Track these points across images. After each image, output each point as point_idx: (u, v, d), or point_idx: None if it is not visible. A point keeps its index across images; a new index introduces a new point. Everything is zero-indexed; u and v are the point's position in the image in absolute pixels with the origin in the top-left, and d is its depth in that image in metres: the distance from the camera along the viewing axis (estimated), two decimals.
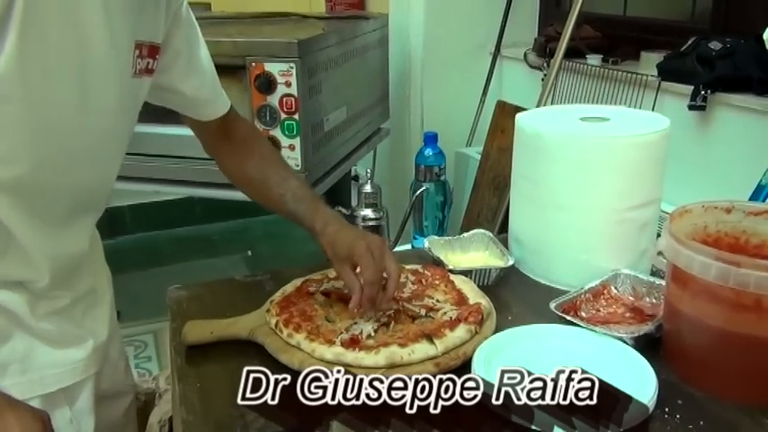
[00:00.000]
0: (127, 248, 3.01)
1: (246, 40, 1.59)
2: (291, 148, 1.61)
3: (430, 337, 0.83)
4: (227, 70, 1.60)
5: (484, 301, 0.91)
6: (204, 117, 1.00)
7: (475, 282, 1.00)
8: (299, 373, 0.80)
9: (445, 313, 0.89)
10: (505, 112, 2.01)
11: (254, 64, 1.56)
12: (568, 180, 0.99)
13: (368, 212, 1.35)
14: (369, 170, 1.37)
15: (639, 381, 0.74)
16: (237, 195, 1.73)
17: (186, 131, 1.70)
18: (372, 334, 0.85)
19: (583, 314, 0.91)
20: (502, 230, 1.78)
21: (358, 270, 0.88)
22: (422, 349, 0.82)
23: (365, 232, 0.95)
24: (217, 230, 3.24)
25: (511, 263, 1.03)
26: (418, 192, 1.42)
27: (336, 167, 1.88)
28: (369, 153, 2.23)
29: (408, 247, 1.50)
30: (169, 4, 0.88)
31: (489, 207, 1.98)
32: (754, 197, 1.17)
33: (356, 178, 2.64)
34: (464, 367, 0.82)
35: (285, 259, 2.98)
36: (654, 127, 0.99)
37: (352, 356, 0.81)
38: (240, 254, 3.05)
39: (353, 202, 2.34)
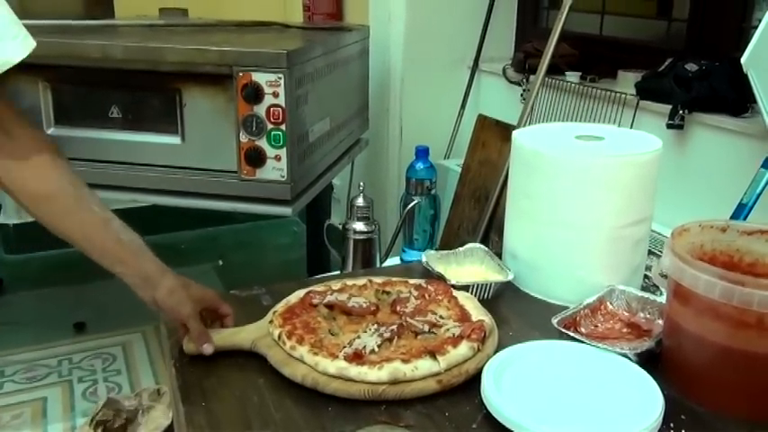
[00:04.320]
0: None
1: (234, 50, 1.58)
2: (277, 158, 1.60)
3: (433, 354, 0.84)
4: (214, 79, 1.60)
5: (487, 319, 0.92)
6: None
7: (474, 296, 1.01)
8: (303, 386, 0.81)
9: (448, 329, 0.90)
10: (486, 126, 2.03)
11: (241, 73, 1.55)
12: (566, 197, 1.01)
13: (359, 225, 1.35)
14: (361, 183, 1.37)
15: (645, 397, 0.75)
16: (206, 204, 1.73)
17: (156, 138, 1.69)
18: (376, 349, 0.85)
19: (582, 329, 0.93)
20: (483, 243, 1.80)
21: None
22: (425, 366, 0.82)
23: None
24: (185, 239, 3.19)
25: (511, 277, 1.05)
26: (410, 205, 1.43)
27: (319, 179, 1.88)
28: (348, 164, 2.23)
29: (397, 260, 1.50)
30: None
31: (470, 220, 1.99)
32: (735, 215, 1.21)
33: (331, 188, 2.64)
34: (466, 384, 0.83)
35: (257, 269, 2.95)
36: (647, 147, 1.02)
37: (355, 371, 0.81)
38: (211, 263, 3.01)
39: (332, 215, 2.35)
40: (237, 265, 2.98)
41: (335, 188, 2.75)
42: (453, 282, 1.03)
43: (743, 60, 1.25)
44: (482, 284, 1.04)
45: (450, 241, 1.99)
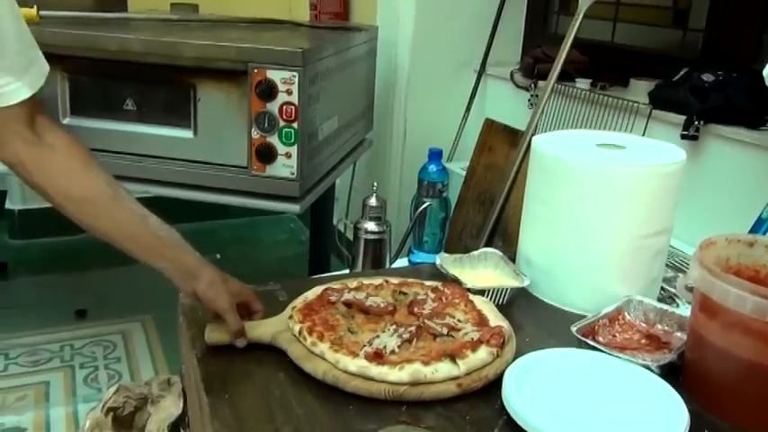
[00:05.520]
0: (92, 246, 2.91)
1: (251, 47, 1.57)
2: (288, 155, 1.60)
3: (453, 357, 0.84)
4: (229, 75, 1.59)
5: (505, 324, 0.92)
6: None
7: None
8: (322, 382, 0.81)
9: (466, 334, 0.89)
10: (493, 131, 2.02)
11: (256, 70, 1.54)
12: (587, 205, 1.01)
13: (371, 225, 1.34)
14: (375, 183, 1.36)
15: (670, 410, 0.75)
16: (215, 198, 1.72)
17: (169, 132, 1.68)
18: (396, 349, 0.85)
19: (600, 339, 0.92)
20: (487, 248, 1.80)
21: None
22: (445, 369, 0.82)
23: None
24: (182, 232, 3.18)
25: (527, 283, 1.04)
26: (422, 207, 1.43)
27: (325, 177, 1.87)
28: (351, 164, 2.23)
29: (405, 261, 1.50)
30: None
31: (474, 224, 1.99)
32: (753, 230, 1.21)
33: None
34: (485, 389, 0.83)
35: (254, 264, 2.95)
36: (671, 158, 1.02)
37: (376, 371, 0.81)
38: (209, 257, 2.99)
39: (336, 215, 2.34)
40: (235, 260, 2.97)
41: (336, 187, 2.74)
42: (469, 285, 1.03)
43: (765, 72, 1.24)
44: (497, 289, 1.03)
45: (453, 244, 1.99)
